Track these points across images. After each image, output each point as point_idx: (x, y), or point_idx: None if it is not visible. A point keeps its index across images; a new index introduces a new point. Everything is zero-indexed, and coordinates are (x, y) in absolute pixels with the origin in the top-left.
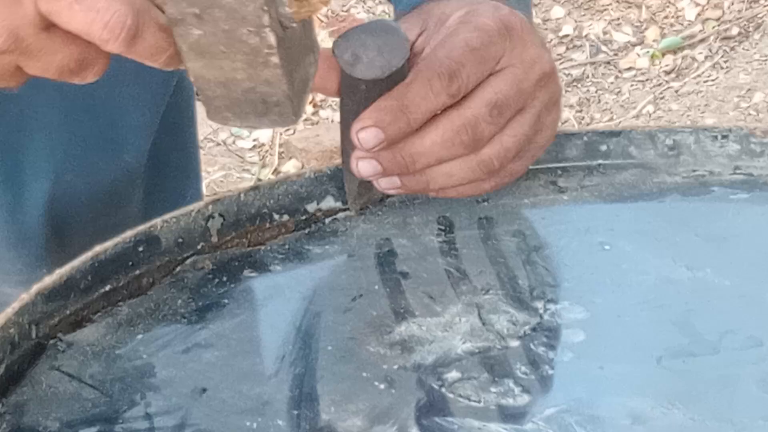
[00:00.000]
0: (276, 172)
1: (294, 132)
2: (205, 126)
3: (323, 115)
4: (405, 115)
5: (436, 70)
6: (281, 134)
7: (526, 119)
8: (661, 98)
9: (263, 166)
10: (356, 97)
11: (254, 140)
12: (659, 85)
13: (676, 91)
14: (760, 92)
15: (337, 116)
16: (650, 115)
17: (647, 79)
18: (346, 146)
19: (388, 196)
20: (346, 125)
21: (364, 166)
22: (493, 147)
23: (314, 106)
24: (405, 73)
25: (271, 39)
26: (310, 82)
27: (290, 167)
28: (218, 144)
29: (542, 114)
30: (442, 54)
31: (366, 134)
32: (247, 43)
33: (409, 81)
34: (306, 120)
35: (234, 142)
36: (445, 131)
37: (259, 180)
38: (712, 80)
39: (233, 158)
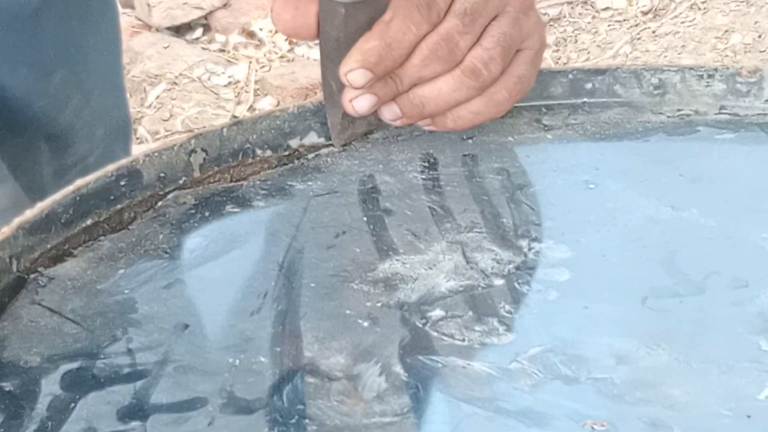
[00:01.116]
0: (251, 109)
1: (269, 69)
2: (179, 62)
3: (299, 52)
4: (390, 54)
5: (414, 1)
6: (256, 71)
7: (503, 22)
8: (638, 39)
9: (238, 102)
10: (335, 23)
11: (229, 77)
12: (636, 25)
13: (654, 32)
14: (737, 33)
15: (312, 54)
16: (627, 55)
17: (624, 20)
18: (328, 78)
19: (371, 131)
20: (326, 55)
21: (360, 104)
22: (473, 52)
23: (290, 43)
24: (384, 3)
25: None
26: None
27: (265, 104)
28: (193, 80)
29: (520, 18)
30: None
31: (354, 75)
32: None
33: (389, 18)
34: (281, 57)
35: (209, 79)
36: (422, 52)
37: (234, 117)
38: (690, 21)
39: (208, 95)
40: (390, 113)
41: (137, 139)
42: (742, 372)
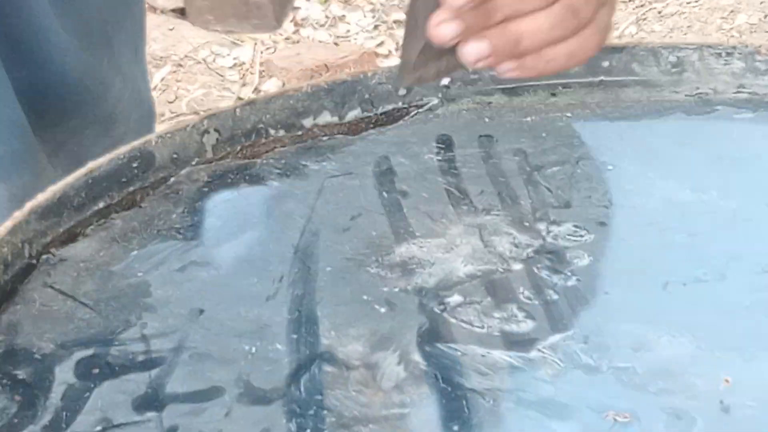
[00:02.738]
0: (256, 90)
1: (275, 51)
2: (184, 44)
3: (303, 33)
4: None
5: None
6: (262, 53)
7: None
8: (644, 19)
9: (243, 84)
10: None
11: (234, 59)
12: (642, 6)
13: (659, 12)
14: (743, 14)
15: (317, 35)
16: (632, 36)
17: (630, 0)
18: (415, 6)
19: (440, 77)
20: None
21: (444, 29)
22: None
23: (295, 24)
24: None
25: None
26: None
27: (271, 86)
28: (198, 62)
29: None
30: None
31: None
32: None
33: None
34: (287, 39)
35: (214, 60)
36: None
37: (240, 98)
38: (695, 1)
39: (213, 76)
40: (476, 50)
41: None
42: (765, 359)
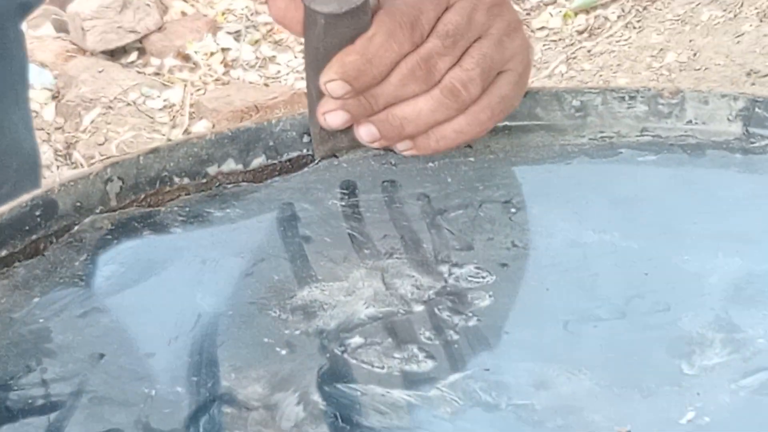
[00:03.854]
0: (186, 132)
1: (205, 92)
2: (114, 86)
3: (234, 74)
4: (370, 69)
5: (398, 19)
6: (192, 94)
7: (484, 44)
8: (574, 58)
9: (173, 126)
10: (316, 32)
11: (164, 100)
12: (572, 44)
13: (589, 51)
14: (672, 52)
15: (247, 76)
16: (563, 75)
17: (560, 39)
18: (309, 86)
19: (354, 147)
20: (308, 64)
21: (332, 119)
22: (453, 72)
23: (225, 66)
24: (368, 16)
25: None
26: None
27: (201, 127)
28: (128, 104)
29: (503, 40)
30: (400, 1)
31: (333, 86)
32: None
33: (371, 34)
34: (217, 80)
35: (144, 102)
36: (400, 72)
37: (170, 140)
38: (625, 40)
39: (143, 118)
40: (367, 134)
41: (72, 164)
42: (664, 396)
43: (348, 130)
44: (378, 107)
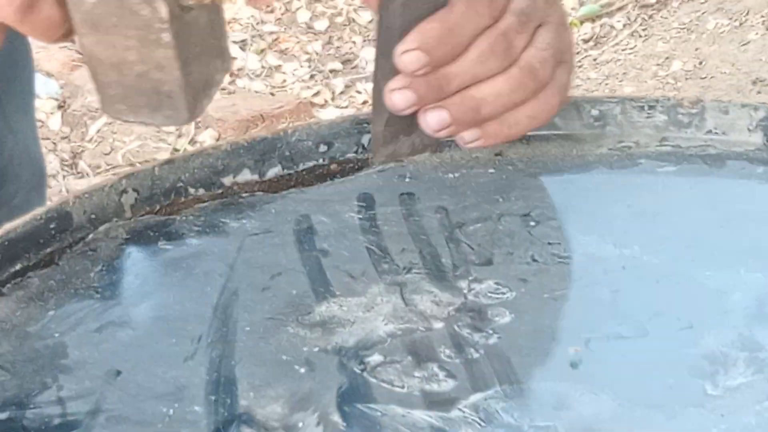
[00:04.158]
0: (192, 141)
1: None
2: None
3: (239, 84)
4: (450, 38)
5: None
6: None
7: (549, 30)
8: (580, 66)
9: (179, 135)
10: (393, 11)
11: None
12: (578, 53)
13: (595, 60)
14: (678, 60)
15: (253, 86)
16: None
17: None
18: (378, 76)
19: (415, 153)
20: (380, 50)
21: (398, 99)
22: (529, 51)
23: (231, 75)
24: None
25: (163, 11)
26: (213, 88)
27: (207, 137)
28: None
29: (560, 29)
30: None
31: (410, 56)
32: (139, 14)
33: (452, 4)
34: (223, 89)
35: None
36: (479, 47)
37: (176, 150)
38: (631, 48)
39: (149, 128)
40: (437, 119)
41: (78, 173)
42: (688, 417)
43: (411, 133)
44: (450, 90)
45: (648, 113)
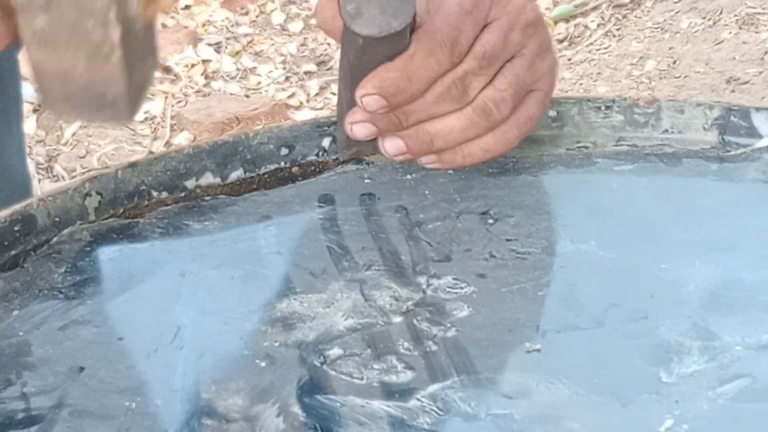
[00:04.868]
0: (168, 144)
1: (185, 104)
2: None
3: (215, 86)
4: (409, 87)
5: (438, 39)
6: (172, 106)
7: (517, 64)
8: None
9: (155, 138)
10: (353, 50)
11: (145, 112)
12: None
13: (569, 59)
14: (652, 60)
15: (228, 88)
16: None
17: None
18: (341, 95)
19: (378, 151)
20: (342, 75)
21: (358, 130)
22: (485, 92)
23: (206, 77)
24: (406, 39)
25: (115, 36)
26: (147, 85)
27: (182, 139)
28: None
29: (535, 61)
30: (440, 21)
31: (369, 100)
32: (91, 37)
33: (412, 52)
34: (198, 92)
35: None
36: (436, 91)
37: (151, 152)
38: (605, 48)
39: (124, 131)
40: (393, 147)
41: (54, 176)
42: (642, 404)
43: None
44: (407, 123)
45: (605, 113)
